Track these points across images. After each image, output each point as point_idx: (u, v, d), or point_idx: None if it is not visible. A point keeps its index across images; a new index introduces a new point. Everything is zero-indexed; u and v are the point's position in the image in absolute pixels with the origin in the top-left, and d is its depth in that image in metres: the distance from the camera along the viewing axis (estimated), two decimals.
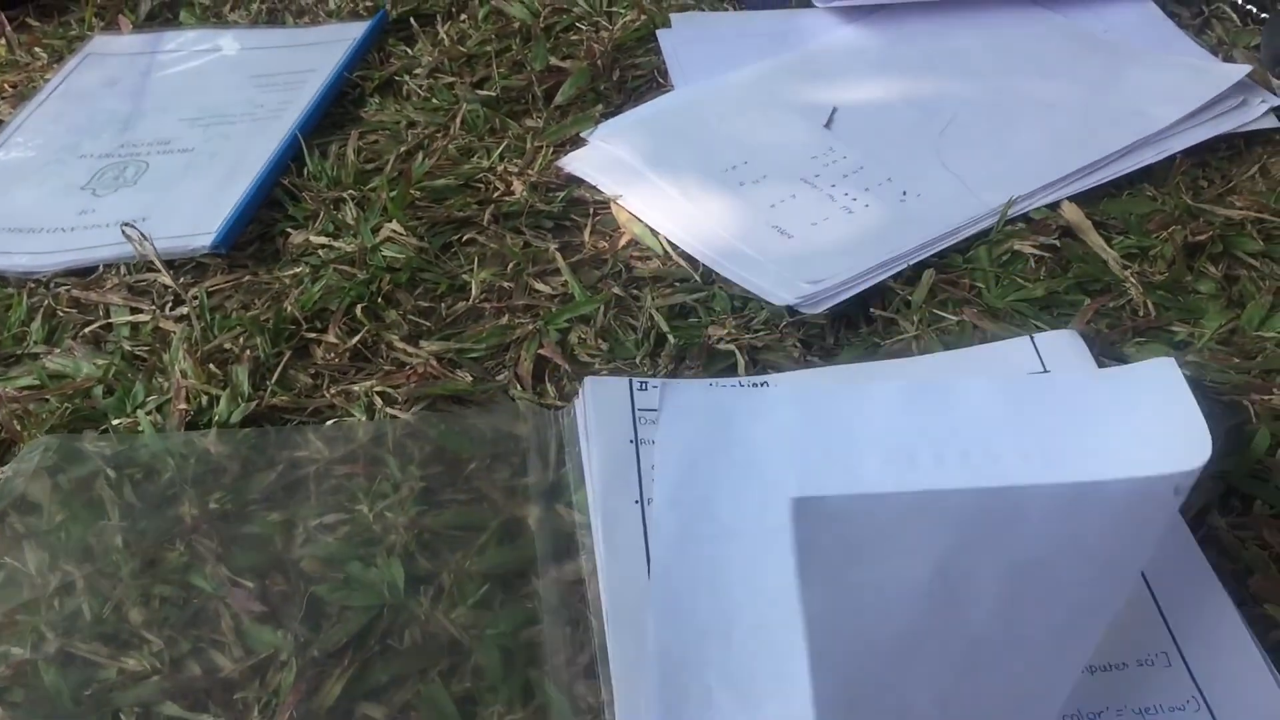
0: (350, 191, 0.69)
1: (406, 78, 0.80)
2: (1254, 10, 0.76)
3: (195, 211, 0.68)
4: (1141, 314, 0.57)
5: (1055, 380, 0.52)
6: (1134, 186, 0.65)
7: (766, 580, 0.46)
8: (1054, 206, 0.63)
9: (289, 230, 0.67)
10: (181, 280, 0.64)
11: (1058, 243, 0.61)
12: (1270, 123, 0.67)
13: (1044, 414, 0.50)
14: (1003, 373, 0.54)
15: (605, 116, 0.75)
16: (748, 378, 0.55)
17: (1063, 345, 0.54)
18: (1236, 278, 0.59)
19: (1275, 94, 0.69)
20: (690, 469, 0.50)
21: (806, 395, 0.53)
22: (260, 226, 0.68)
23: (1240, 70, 0.69)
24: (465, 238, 0.66)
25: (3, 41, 0.90)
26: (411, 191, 0.68)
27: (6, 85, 0.85)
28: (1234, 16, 0.78)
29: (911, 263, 0.60)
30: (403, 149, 0.73)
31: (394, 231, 0.65)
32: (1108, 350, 0.55)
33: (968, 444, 0.50)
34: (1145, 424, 0.49)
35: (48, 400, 0.57)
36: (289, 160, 0.72)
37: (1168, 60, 0.73)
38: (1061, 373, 0.53)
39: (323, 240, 0.66)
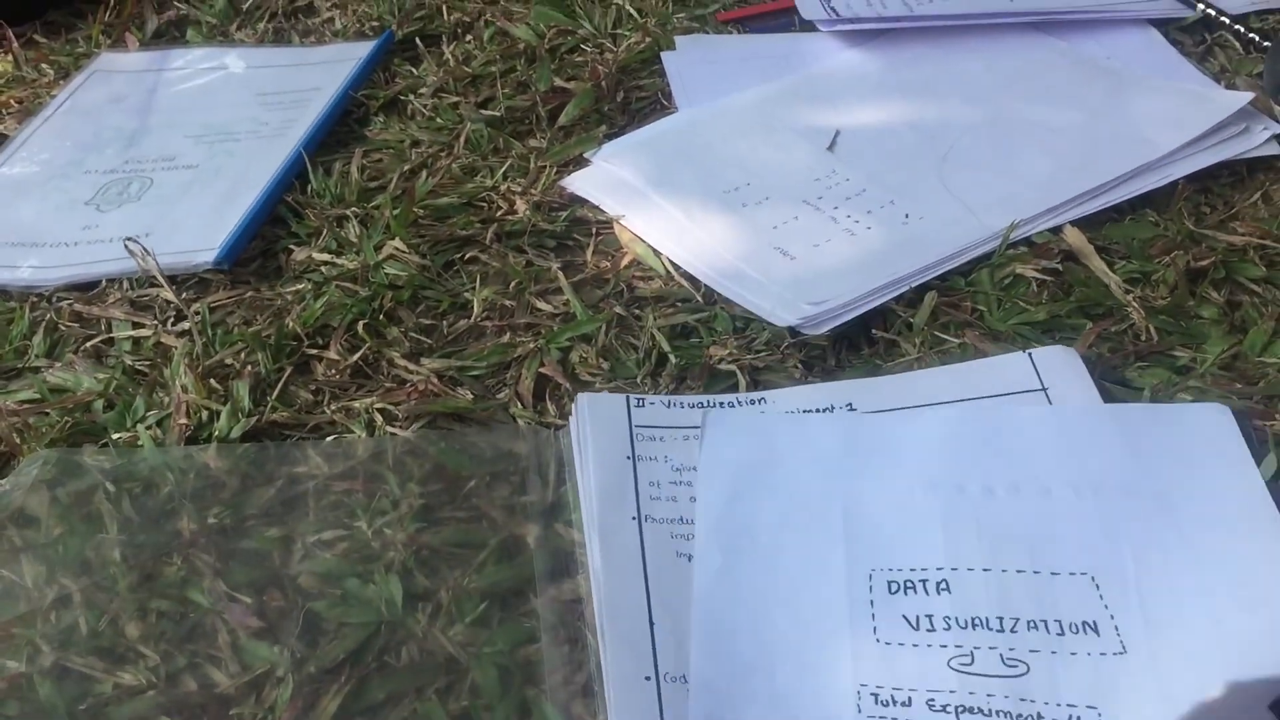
0: (353, 209, 0.69)
1: (411, 97, 0.81)
2: (1256, 38, 0.77)
3: (198, 228, 0.68)
4: (1144, 338, 0.57)
5: (1106, 413, 0.52)
6: (1136, 212, 0.65)
7: (809, 610, 0.45)
8: (1056, 230, 0.63)
9: (292, 247, 0.67)
10: (184, 295, 0.64)
11: (1060, 267, 0.61)
12: (1273, 150, 0.67)
13: (1095, 448, 0.50)
14: (997, 387, 0.54)
15: (609, 137, 0.75)
16: (746, 394, 0.55)
17: (1059, 361, 0.54)
18: (1239, 303, 0.58)
19: (1277, 121, 0.69)
20: (733, 497, 0.49)
21: (851, 422, 0.52)
22: (263, 243, 0.68)
23: (1243, 97, 0.69)
24: (468, 256, 0.66)
25: (10, 58, 0.90)
26: (414, 210, 0.68)
27: (13, 101, 0.85)
28: (1236, 44, 0.78)
29: (913, 285, 0.60)
30: (406, 167, 0.73)
31: (396, 249, 0.65)
32: (1109, 374, 0.55)
33: (1018, 476, 0.49)
34: (1199, 472, 0.48)
35: (48, 414, 0.57)
36: (293, 178, 0.72)
37: (1170, 87, 0.73)
38: (1116, 407, 0.52)
39: (325, 257, 0.66)
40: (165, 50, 0.89)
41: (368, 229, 0.68)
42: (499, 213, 0.69)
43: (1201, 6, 0.79)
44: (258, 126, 0.78)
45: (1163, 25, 0.80)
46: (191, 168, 0.75)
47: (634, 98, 0.79)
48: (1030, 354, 0.55)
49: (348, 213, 0.69)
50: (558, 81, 0.81)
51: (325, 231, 0.68)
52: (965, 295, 0.60)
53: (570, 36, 0.86)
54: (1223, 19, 0.79)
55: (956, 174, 0.68)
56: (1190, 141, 0.67)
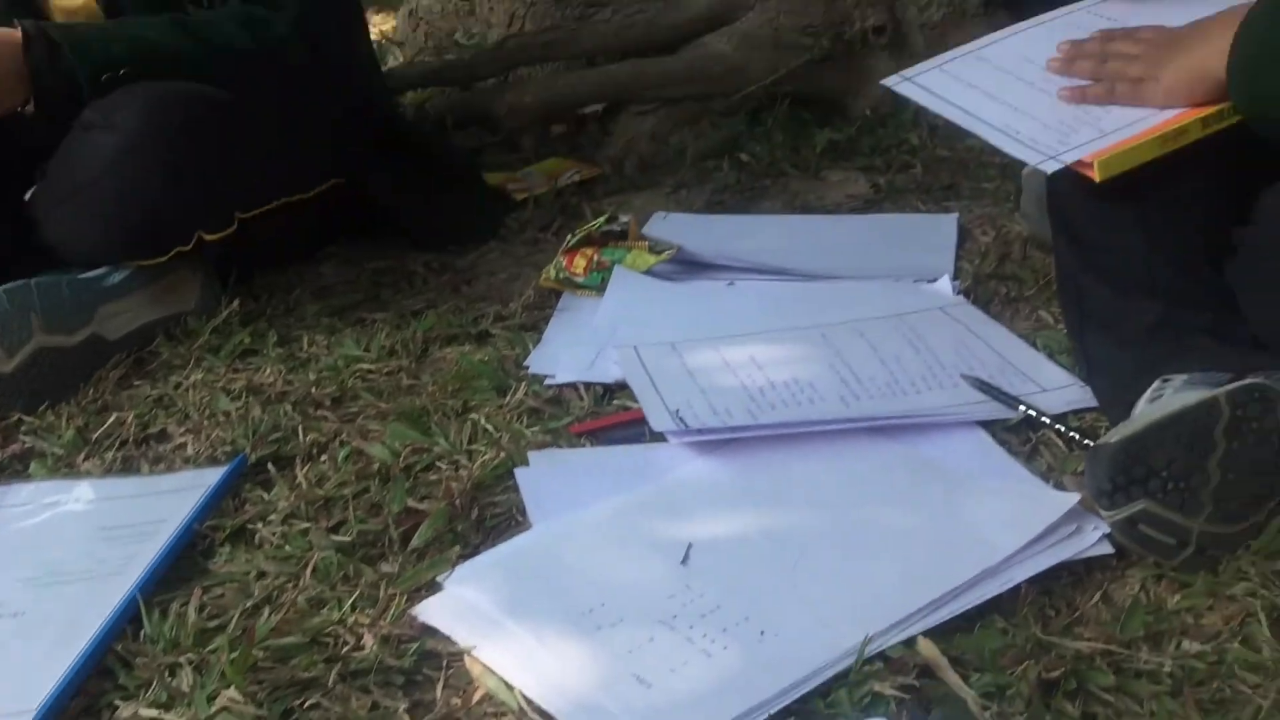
0: (188, 655, 0.66)
1: (260, 525, 0.79)
2: (1076, 436, 0.81)
3: (17, 686, 0.64)
4: None
5: None
6: (985, 618, 0.65)
7: None
8: (910, 643, 0.63)
9: (117, 702, 0.63)
10: None
11: (916, 683, 0.61)
12: (1105, 549, 0.69)
13: None
14: None
15: (463, 558, 0.74)
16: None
17: None
18: (1094, 715, 0.58)
19: (1104, 521, 0.71)
20: None
21: None
22: (86, 699, 0.64)
23: (1071, 498, 0.72)
24: (308, 702, 0.63)
25: None
26: (254, 652, 0.65)
27: None
28: (1060, 444, 0.82)
29: (772, 712, 0.59)
30: (249, 603, 0.70)
31: (231, 700, 0.62)
32: None
33: None
34: None
35: None
36: (125, 623, 0.69)
37: (1005, 489, 0.77)
38: None
39: (153, 713, 0.62)
40: (5, 486, 0.86)
41: (202, 676, 0.64)
42: (345, 649, 0.66)
43: (1023, 407, 0.84)
44: (94, 564, 0.75)
45: (990, 426, 0.85)
46: (17, 615, 0.71)
47: (489, 514, 0.79)
48: None
49: (181, 660, 0.65)
50: (411, 502, 0.80)
51: (155, 683, 0.64)
52: None
53: (425, 454, 0.86)
54: (1044, 419, 0.83)
55: (808, 584, 0.69)
56: (1028, 543, 0.69)
